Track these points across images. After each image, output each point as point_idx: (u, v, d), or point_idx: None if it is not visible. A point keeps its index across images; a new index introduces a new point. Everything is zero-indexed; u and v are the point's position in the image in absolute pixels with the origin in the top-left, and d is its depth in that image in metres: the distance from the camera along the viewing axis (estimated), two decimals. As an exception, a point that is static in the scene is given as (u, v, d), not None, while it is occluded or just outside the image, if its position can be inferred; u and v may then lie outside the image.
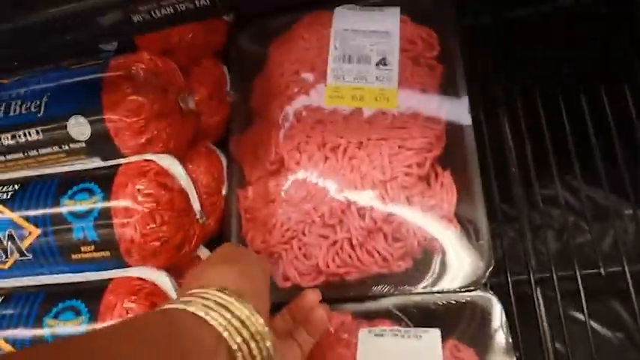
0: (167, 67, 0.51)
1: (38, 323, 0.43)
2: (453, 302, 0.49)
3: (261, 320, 0.32)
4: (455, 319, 0.48)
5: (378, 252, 0.50)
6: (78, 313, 0.43)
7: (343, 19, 0.58)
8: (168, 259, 0.47)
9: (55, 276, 0.48)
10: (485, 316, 0.48)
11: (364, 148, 0.52)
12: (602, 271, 0.53)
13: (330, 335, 0.48)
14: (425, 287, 0.49)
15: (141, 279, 0.45)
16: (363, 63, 0.56)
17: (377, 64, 0.55)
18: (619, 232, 0.58)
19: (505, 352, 0.47)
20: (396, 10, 0.57)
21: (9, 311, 0.45)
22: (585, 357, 0.53)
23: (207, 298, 0.32)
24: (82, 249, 0.46)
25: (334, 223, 0.51)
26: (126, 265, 0.47)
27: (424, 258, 0.50)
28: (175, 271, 0.49)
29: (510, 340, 0.47)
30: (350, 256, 0.50)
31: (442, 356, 0.46)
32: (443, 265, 0.50)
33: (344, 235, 0.50)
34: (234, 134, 0.60)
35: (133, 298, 0.43)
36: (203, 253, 0.53)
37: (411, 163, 0.51)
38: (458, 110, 0.54)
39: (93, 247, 0.46)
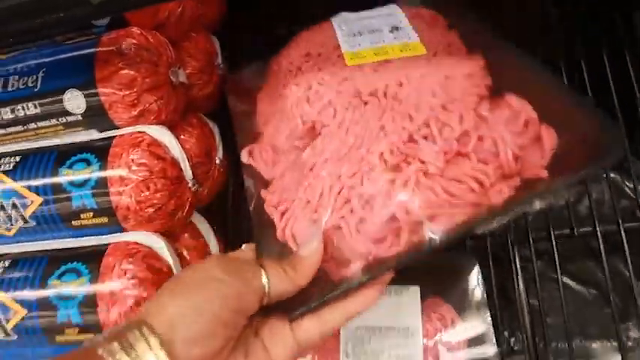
0: (157, 42, 0.53)
1: (43, 284, 0.47)
2: (432, 261, 0.52)
3: None
4: (434, 277, 0.51)
5: (467, 175, 0.36)
6: (79, 274, 0.46)
7: (342, 17, 0.55)
8: (163, 224, 0.50)
9: (58, 241, 0.51)
10: (462, 274, 0.52)
11: (406, 85, 0.42)
12: (575, 231, 0.56)
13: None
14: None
15: (137, 243, 0.48)
16: (375, 33, 0.51)
17: (390, 31, 0.50)
18: (595, 194, 0.60)
19: (480, 307, 0.50)
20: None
21: (16, 274, 0.48)
22: (560, 311, 0.56)
23: (122, 335, 0.32)
24: (82, 216, 0.49)
25: (398, 160, 0.38)
26: (123, 230, 0.50)
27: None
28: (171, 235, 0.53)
29: (485, 297, 0.51)
30: (433, 191, 0.36)
31: (422, 311, 0.50)
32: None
33: (417, 167, 0.37)
34: (243, 147, 0.51)
35: (130, 259, 0.46)
36: (197, 219, 0.56)
37: (466, 86, 0.42)
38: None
39: (92, 214, 0.49)
